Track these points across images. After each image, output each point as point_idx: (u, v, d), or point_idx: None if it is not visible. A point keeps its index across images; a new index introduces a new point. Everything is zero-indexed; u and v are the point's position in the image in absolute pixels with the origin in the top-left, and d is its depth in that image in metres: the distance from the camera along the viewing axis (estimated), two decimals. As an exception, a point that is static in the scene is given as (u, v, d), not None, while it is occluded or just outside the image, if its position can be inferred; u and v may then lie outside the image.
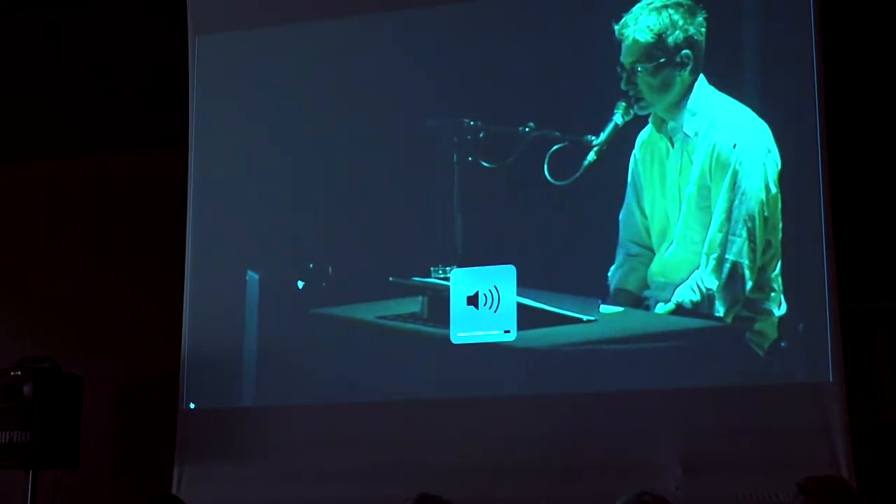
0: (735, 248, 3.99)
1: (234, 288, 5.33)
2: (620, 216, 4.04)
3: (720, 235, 3.99)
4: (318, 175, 4.70)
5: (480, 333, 4.29)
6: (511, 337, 4.19)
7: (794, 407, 4.68)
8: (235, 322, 5.37)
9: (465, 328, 4.51)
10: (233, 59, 5.79)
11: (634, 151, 4.11)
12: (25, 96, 6.64)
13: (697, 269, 4.04)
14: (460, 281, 4.41)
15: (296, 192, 4.79)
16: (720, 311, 4.07)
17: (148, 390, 6.00)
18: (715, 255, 4.00)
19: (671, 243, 4.08)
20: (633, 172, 4.05)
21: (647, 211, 4.04)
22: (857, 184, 5.07)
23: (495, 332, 4.24)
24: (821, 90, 4.38)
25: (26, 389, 5.43)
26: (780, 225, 4.03)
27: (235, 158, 5.59)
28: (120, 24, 6.46)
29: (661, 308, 4.06)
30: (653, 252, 4.00)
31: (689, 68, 4.03)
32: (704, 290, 4.05)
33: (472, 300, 4.42)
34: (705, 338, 4.02)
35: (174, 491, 5.39)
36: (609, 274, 4.02)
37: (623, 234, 4.10)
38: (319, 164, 4.76)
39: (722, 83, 4.06)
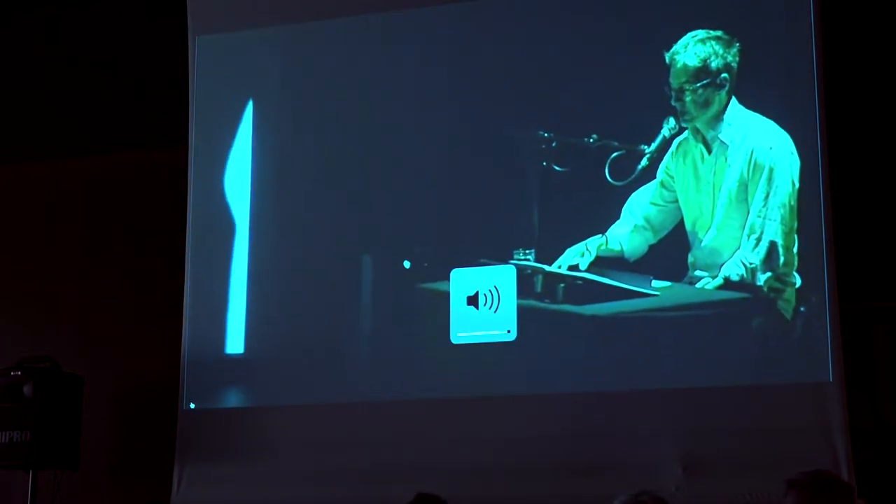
0: (771, 230, 4.75)
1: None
2: (644, 196, 4.89)
3: (759, 220, 4.76)
4: (409, 172, 5.33)
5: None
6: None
7: (794, 407, 4.70)
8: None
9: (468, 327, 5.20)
10: (233, 59, 5.79)
11: (670, 152, 4.89)
12: (25, 96, 6.64)
13: (739, 249, 4.78)
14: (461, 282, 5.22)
15: (392, 186, 5.34)
16: (760, 281, 4.76)
17: (148, 390, 6.00)
18: (755, 236, 4.76)
19: (708, 230, 4.83)
20: (665, 168, 4.88)
21: (681, 203, 4.85)
22: (857, 184, 5.10)
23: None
24: (821, 98, 4.78)
25: (26, 389, 5.43)
26: (797, 214, 4.75)
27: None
28: (120, 24, 6.46)
29: (710, 284, 4.80)
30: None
31: (725, 89, 4.85)
32: (748, 265, 4.76)
33: (473, 300, 5.19)
34: (743, 305, 4.75)
35: (174, 491, 5.40)
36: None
37: None
38: (409, 160, 5.35)
39: (750, 101, 4.86)
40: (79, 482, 5.64)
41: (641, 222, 4.96)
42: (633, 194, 4.97)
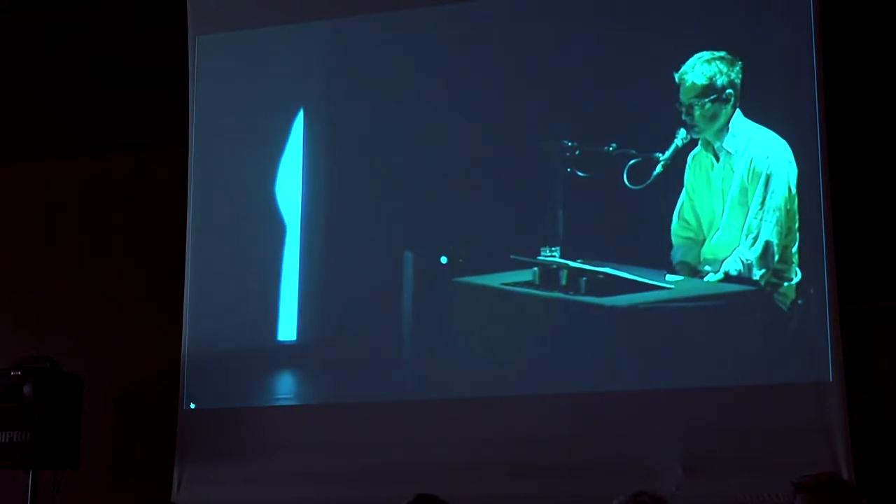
0: (766, 231, 5.03)
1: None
2: (676, 210, 5.22)
3: (756, 221, 5.06)
4: (446, 174, 5.62)
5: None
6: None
7: (794, 407, 4.72)
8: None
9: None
10: (233, 59, 5.80)
11: (687, 164, 5.24)
12: (25, 96, 6.64)
13: (738, 247, 5.07)
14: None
15: (431, 187, 5.60)
16: (756, 276, 5.03)
17: (148, 390, 6.00)
18: (752, 236, 5.05)
19: (717, 230, 5.13)
20: (686, 179, 5.24)
21: (698, 206, 5.19)
22: (857, 184, 5.12)
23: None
24: (821, 107, 4.97)
25: (26, 389, 5.43)
26: (797, 216, 4.99)
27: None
28: (120, 25, 6.46)
29: (713, 277, 5.11)
30: (702, 236, 5.17)
31: (731, 103, 5.19)
32: (745, 261, 5.04)
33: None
34: (745, 298, 5.04)
35: (174, 491, 5.40)
36: (672, 251, 5.23)
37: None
38: (446, 163, 5.64)
39: (753, 114, 5.16)
40: (79, 482, 5.64)
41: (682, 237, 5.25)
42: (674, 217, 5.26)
